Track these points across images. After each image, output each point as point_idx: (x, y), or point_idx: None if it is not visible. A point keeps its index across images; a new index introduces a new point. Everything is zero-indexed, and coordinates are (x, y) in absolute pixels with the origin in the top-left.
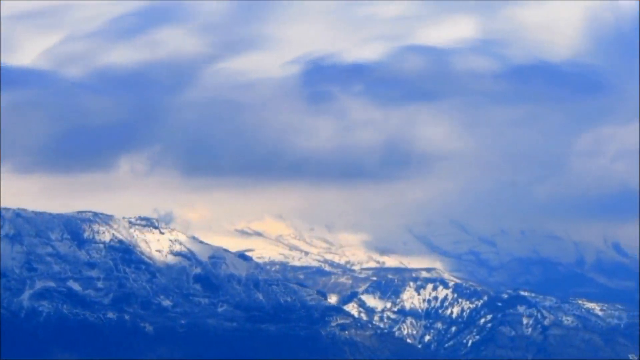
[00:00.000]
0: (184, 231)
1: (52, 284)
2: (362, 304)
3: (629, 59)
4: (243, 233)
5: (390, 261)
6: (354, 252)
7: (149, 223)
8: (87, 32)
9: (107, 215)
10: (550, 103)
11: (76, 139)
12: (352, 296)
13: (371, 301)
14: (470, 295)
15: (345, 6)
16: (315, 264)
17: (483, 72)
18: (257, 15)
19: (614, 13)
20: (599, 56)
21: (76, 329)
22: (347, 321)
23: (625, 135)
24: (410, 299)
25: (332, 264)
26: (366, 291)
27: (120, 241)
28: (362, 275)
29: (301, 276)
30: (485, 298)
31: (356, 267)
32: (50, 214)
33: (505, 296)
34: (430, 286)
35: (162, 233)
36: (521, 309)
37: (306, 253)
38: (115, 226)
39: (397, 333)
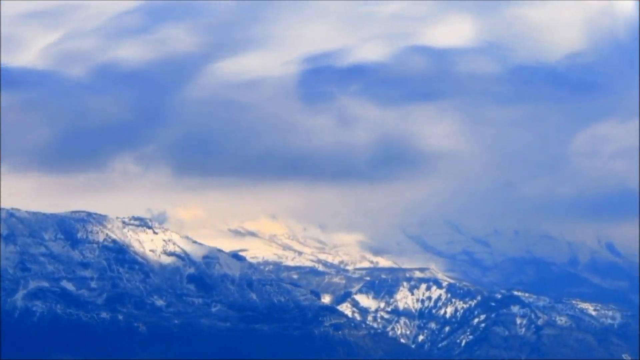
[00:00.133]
0: (178, 231)
1: (45, 284)
2: (355, 304)
3: (628, 60)
4: (237, 233)
5: (384, 261)
6: (348, 252)
7: (142, 223)
8: (85, 31)
9: (100, 215)
10: (546, 103)
11: (70, 139)
12: (345, 296)
13: (365, 301)
14: (464, 295)
15: (345, 6)
16: (309, 264)
17: (481, 72)
18: (255, 15)
19: (614, 13)
20: (599, 57)
21: (70, 328)
22: (341, 321)
23: (620, 136)
24: (404, 299)
25: (325, 264)
26: (360, 291)
27: (114, 241)
28: (356, 275)
29: (295, 276)
30: (479, 298)
31: (350, 267)
32: (43, 214)
33: (499, 296)
34: (423, 286)
35: (155, 233)
36: (515, 309)
37: (300, 253)
38: (108, 226)
39: (390, 333)
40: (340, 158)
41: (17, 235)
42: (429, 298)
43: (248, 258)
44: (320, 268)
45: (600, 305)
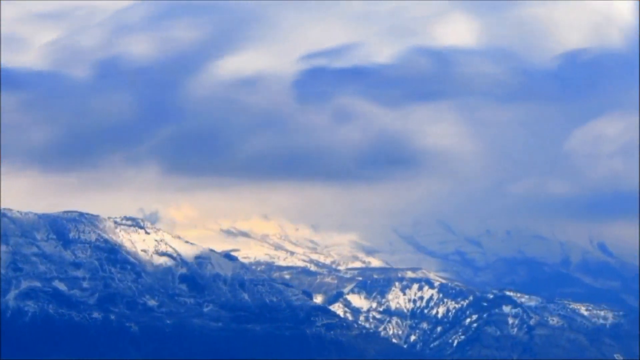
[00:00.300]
0: (170, 231)
1: (37, 284)
2: (347, 304)
3: (629, 60)
4: (229, 233)
5: (376, 261)
6: (340, 252)
7: (134, 223)
8: (84, 31)
9: (92, 215)
10: (542, 103)
11: (65, 139)
12: (337, 296)
13: (357, 301)
14: (456, 295)
15: (346, 5)
16: (301, 264)
17: (478, 73)
18: (254, 13)
19: (614, 12)
20: (599, 57)
21: (62, 329)
22: (333, 321)
23: (614, 137)
24: (396, 299)
25: (317, 263)
26: (352, 291)
27: (106, 241)
28: (348, 275)
29: (287, 276)
30: (471, 298)
31: (342, 267)
32: (35, 214)
33: (491, 296)
34: (415, 286)
35: (147, 233)
36: (507, 309)
37: (292, 253)
38: (100, 226)
39: (382, 333)
40: (333, 158)
41: (9, 236)
42: (421, 298)
43: (240, 258)
44: (313, 268)
45: (592, 305)
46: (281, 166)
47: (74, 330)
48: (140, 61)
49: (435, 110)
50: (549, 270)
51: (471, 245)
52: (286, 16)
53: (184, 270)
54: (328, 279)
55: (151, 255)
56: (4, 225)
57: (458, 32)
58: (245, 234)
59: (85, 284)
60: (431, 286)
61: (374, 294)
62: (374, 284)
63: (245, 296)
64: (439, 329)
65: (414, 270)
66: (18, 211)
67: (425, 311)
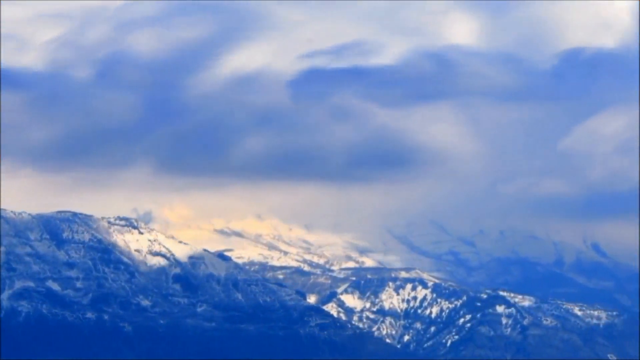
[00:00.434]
0: (163, 231)
1: (31, 284)
2: (341, 304)
3: (627, 62)
4: (222, 233)
5: (370, 261)
6: (333, 252)
7: (128, 223)
8: (83, 31)
9: (86, 215)
10: (538, 103)
11: (55, 139)
12: (331, 296)
13: (350, 301)
14: (450, 295)
15: (346, 5)
16: (294, 264)
17: (478, 73)
18: (252, 15)
19: (614, 12)
20: (598, 56)
21: (55, 329)
22: (326, 321)
23: (609, 138)
24: (389, 299)
25: (311, 263)
26: (345, 291)
27: (100, 241)
28: (341, 275)
29: (280, 276)
30: (465, 298)
31: (335, 267)
32: (29, 214)
33: (485, 296)
34: (409, 286)
35: (141, 233)
36: (500, 309)
37: (285, 253)
38: (94, 226)
39: (376, 333)
40: (326, 158)
41: (2, 235)
42: (415, 298)
43: (233, 258)
44: (306, 268)
45: (585, 305)
46: (274, 166)
47: (68, 330)
48: (138, 61)
49: (432, 110)
50: (543, 271)
51: (465, 245)
52: (286, 16)
53: (177, 270)
54: (322, 279)
55: (145, 255)
56: None
57: (458, 32)
58: (238, 234)
59: (78, 284)
60: (425, 286)
61: (367, 294)
62: (368, 284)
63: (239, 296)
64: (432, 329)
65: (407, 270)
66: (12, 211)
67: (419, 311)
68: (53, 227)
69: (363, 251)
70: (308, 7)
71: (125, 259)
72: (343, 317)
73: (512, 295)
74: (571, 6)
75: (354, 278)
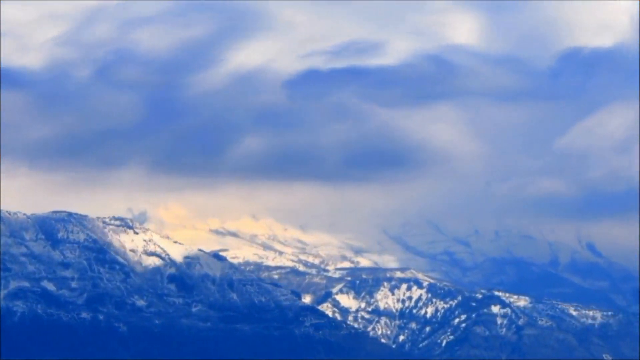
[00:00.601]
0: (158, 231)
1: (26, 284)
2: (336, 304)
3: (625, 62)
4: (217, 233)
5: (365, 261)
6: (329, 252)
7: (123, 223)
8: (82, 31)
9: (81, 215)
10: (533, 103)
11: (52, 139)
12: (326, 296)
13: (345, 301)
14: (445, 295)
15: (346, 5)
16: (289, 264)
17: (478, 73)
18: (252, 15)
19: (614, 12)
20: (598, 56)
21: (50, 329)
22: (321, 321)
23: (606, 138)
24: (385, 299)
25: (306, 264)
26: (340, 291)
27: (95, 241)
28: (337, 276)
29: (275, 276)
30: (460, 298)
31: (330, 267)
32: (24, 214)
33: (480, 296)
34: (404, 286)
35: (136, 233)
36: (495, 309)
37: (280, 253)
38: (89, 226)
39: (371, 333)
40: (322, 158)
41: None
42: (410, 298)
43: (229, 258)
44: (301, 268)
45: (580, 305)
46: (270, 166)
47: (63, 330)
48: (137, 61)
49: (431, 111)
50: (538, 271)
51: (460, 245)
52: (286, 16)
53: (172, 270)
54: (317, 279)
55: (140, 256)
56: None
57: (458, 32)
58: (234, 234)
59: (73, 284)
60: (420, 286)
61: (362, 294)
62: (363, 284)
63: (234, 296)
64: (427, 329)
65: (402, 270)
66: (7, 211)
67: (414, 311)
68: (48, 227)
69: (358, 251)
70: (308, 7)
71: (120, 259)
72: (338, 317)
73: (507, 295)
74: (570, 6)
75: (349, 278)
